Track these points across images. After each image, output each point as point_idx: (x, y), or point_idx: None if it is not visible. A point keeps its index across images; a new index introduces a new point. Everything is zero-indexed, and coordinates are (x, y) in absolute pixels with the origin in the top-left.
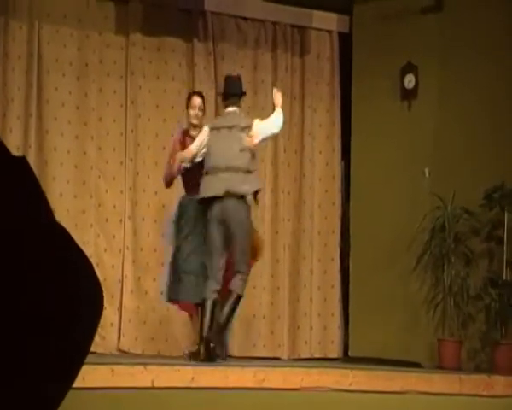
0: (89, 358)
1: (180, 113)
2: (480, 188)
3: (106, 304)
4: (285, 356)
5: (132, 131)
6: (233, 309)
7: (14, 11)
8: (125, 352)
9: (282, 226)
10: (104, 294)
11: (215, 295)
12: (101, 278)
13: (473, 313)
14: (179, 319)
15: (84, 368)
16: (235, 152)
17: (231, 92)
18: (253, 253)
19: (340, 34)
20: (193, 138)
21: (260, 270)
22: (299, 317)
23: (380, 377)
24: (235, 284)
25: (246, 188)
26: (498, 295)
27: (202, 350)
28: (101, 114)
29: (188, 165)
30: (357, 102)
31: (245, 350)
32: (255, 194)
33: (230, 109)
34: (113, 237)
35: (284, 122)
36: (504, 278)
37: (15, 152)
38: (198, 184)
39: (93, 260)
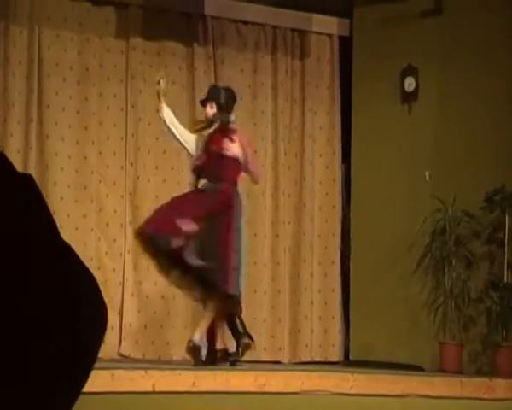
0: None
1: (180, 116)
2: (480, 190)
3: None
4: (286, 360)
5: (133, 135)
6: None
7: (15, 16)
8: (125, 356)
9: (282, 229)
10: (105, 298)
11: None
12: (101, 282)
13: (474, 316)
14: (180, 322)
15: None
16: None
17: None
18: None
19: (341, 38)
20: None
21: (261, 273)
22: (299, 320)
23: (381, 381)
24: None
25: None
26: (499, 297)
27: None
28: (102, 119)
29: None
30: (357, 105)
31: (246, 354)
32: None
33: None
34: (114, 241)
35: (284, 125)
36: (505, 280)
37: (16, 156)
38: None
39: (94, 264)
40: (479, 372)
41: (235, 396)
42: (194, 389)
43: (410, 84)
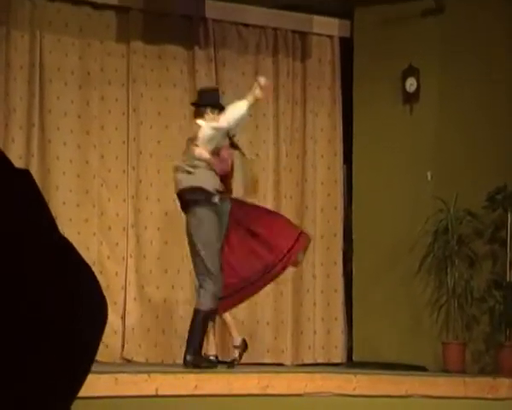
0: (92, 367)
1: (182, 119)
2: (482, 190)
3: (109, 312)
4: (288, 362)
5: (134, 138)
6: None
7: (16, 21)
8: (128, 360)
9: None
10: (108, 301)
11: None
12: (104, 286)
13: (477, 316)
14: (183, 326)
15: (88, 377)
16: None
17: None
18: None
19: (341, 39)
20: None
21: None
22: (302, 322)
23: (384, 382)
24: None
25: None
26: (502, 296)
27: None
28: (104, 123)
29: None
30: (358, 105)
31: (248, 356)
32: None
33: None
34: (117, 244)
35: (286, 127)
36: (508, 279)
37: (18, 162)
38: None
39: (96, 268)
40: (482, 372)
41: (237, 399)
42: (196, 393)
43: (411, 84)
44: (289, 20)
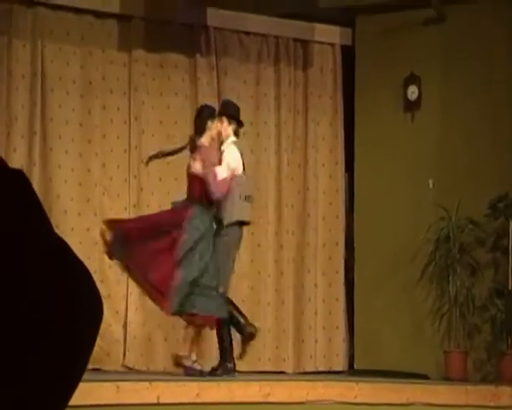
0: (94, 375)
1: (183, 128)
2: (484, 198)
3: (111, 320)
4: (290, 370)
5: (136, 147)
6: None
7: (18, 30)
8: (130, 368)
9: (286, 240)
10: (109, 310)
11: None
12: (105, 295)
13: (479, 324)
14: (184, 335)
15: (90, 385)
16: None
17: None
18: None
19: (343, 47)
20: None
21: (264, 284)
22: (303, 330)
23: (385, 390)
24: None
25: None
26: (504, 305)
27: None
28: (105, 131)
29: None
30: (360, 114)
31: (250, 364)
32: None
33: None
34: None
35: (287, 136)
36: (510, 288)
37: None
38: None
39: (98, 277)
40: (484, 380)
41: (239, 407)
42: (198, 400)
43: (412, 92)
44: (291, 28)
